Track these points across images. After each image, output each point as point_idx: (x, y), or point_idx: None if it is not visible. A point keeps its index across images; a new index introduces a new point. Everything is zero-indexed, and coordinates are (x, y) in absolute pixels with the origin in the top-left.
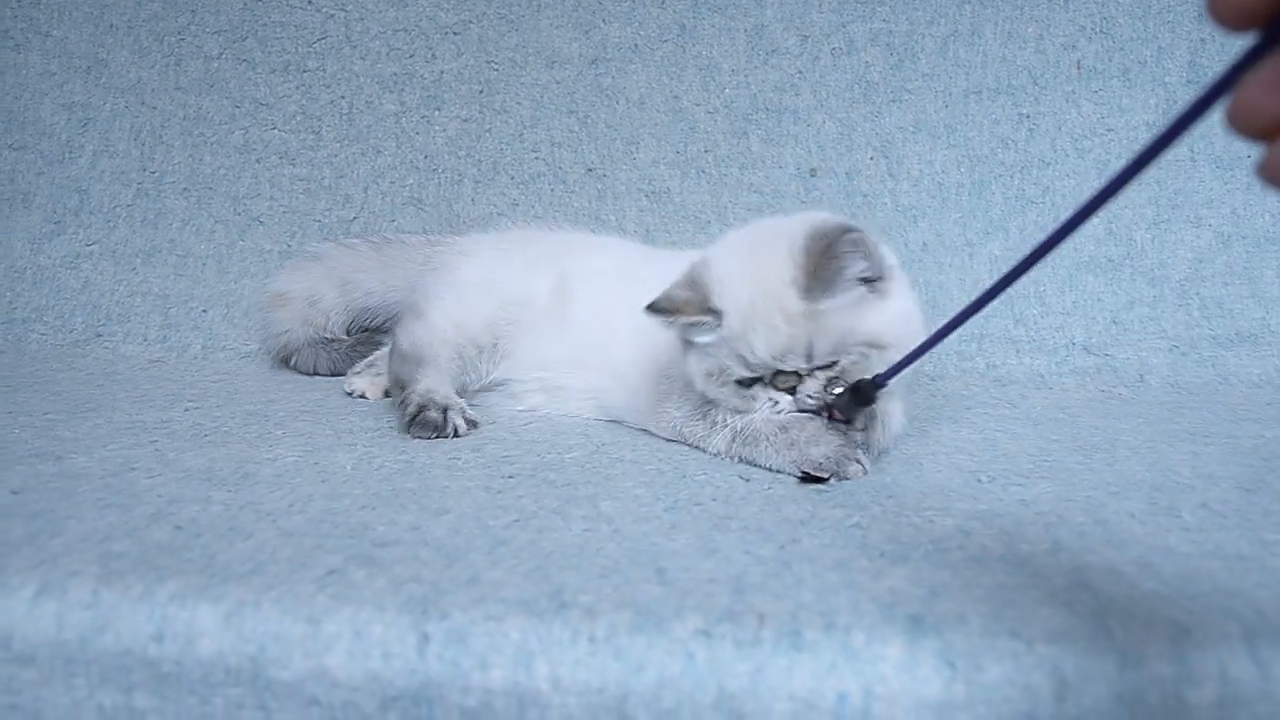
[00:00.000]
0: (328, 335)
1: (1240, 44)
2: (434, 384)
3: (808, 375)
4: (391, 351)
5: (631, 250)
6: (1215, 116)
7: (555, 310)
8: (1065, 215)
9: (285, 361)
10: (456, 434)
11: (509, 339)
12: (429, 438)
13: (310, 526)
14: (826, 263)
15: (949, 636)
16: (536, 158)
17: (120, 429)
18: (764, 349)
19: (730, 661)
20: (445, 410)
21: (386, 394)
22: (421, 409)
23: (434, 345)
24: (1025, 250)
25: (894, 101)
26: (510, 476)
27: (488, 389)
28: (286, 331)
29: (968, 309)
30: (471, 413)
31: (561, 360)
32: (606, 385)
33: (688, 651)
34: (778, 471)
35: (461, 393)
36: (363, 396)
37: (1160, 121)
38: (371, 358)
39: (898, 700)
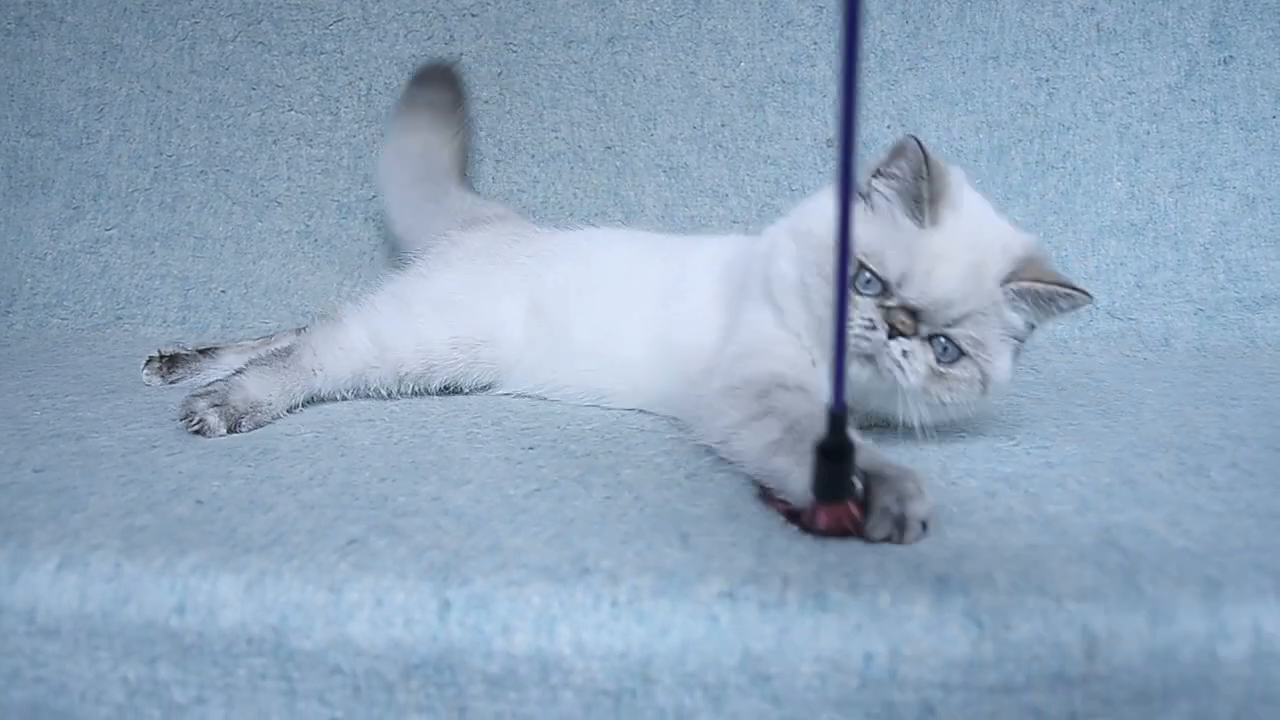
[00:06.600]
0: None
1: None
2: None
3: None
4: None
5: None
6: (1237, 75)
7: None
8: None
9: None
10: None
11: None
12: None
13: (330, 498)
14: None
15: (976, 595)
16: (556, 137)
17: (140, 409)
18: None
19: (755, 623)
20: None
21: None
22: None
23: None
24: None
25: (911, 70)
26: (531, 447)
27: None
28: None
29: None
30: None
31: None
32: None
33: (711, 614)
34: None
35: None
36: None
37: (1183, 84)
38: None
39: (925, 660)
